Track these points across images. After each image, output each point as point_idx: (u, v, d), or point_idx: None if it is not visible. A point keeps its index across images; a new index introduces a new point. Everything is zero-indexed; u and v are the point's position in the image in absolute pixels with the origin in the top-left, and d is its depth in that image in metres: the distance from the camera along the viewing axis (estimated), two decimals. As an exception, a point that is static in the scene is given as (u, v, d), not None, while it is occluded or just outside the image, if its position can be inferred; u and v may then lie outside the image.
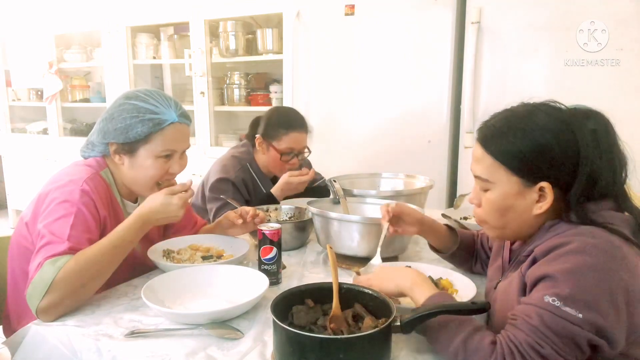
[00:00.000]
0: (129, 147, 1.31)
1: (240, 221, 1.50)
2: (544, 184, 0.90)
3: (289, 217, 1.81)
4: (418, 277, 1.01)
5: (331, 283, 0.98)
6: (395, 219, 1.30)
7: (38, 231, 1.17)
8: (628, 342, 0.82)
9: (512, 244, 1.07)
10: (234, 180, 1.98)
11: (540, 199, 0.92)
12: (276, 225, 1.29)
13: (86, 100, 4.22)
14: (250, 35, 3.44)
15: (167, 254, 1.43)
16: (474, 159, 1.00)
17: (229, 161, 2.06)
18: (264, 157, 2.06)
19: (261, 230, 1.27)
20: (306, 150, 2.09)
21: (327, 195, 1.79)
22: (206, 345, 0.97)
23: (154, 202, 1.25)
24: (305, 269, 1.44)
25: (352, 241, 1.43)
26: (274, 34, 3.22)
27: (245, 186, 2.03)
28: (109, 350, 0.97)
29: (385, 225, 1.29)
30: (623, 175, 0.93)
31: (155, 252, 1.40)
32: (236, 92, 3.53)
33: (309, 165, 2.24)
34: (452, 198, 2.67)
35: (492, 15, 2.40)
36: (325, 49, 2.83)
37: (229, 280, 1.22)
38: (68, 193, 1.21)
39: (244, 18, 3.37)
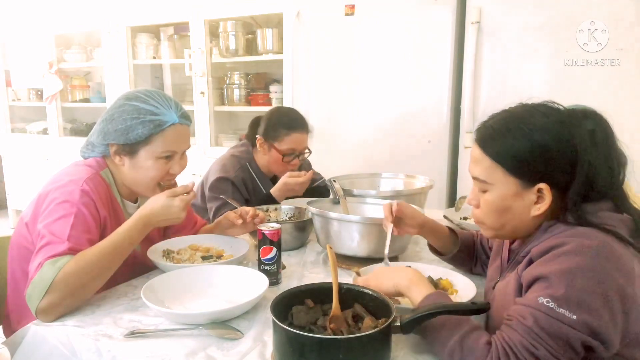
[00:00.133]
0: (130, 149, 1.31)
1: (240, 221, 1.50)
2: (542, 185, 0.90)
3: (289, 217, 1.82)
4: (415, 277, 1.01)
5: (331, 283, 0.98)
6: (397, 219, 1.30)
7: (38, 231, 1.17)
8: (623, 343, 0.81)
9: (511, 243, 1.07)
10: (234, 179, 1.98)
11: (538, 201, 0.92)
12: (276, 225, 1.29)
13: (86, 100, 4.22)
14: (250, 35, 3.44)
15: (167, 254, 1.43)
16: (472, 160, 0.99)
17: (228, 161, 2.06)
18: (264, 157, 2.06)
19: (261, 230, 1.27)
20: (307, 150, 2.09)
21: (327, 195, 1.80)
22: (206, 346, 0.97)
23: (155, 204, 1.25)
24: (305, 269, 1.44)
25: (352, 241, 1.43)
26: (274, 34, 3.22)
27: (245, 186, 2.03)
28: (108, 350, 0.97)
29: (390, 226, 1.28)
30: (622, 175, 0.92)
31: (155, 252, 1.40)
32: (236, 92, 3.53)
33: (308, 166, 2.24)
34: (452, 198, 2.68)
35: (492, 15, 2.40)
36: (325, 49, 2.83)
37: (229, 280, 1.22)
38: (68, 193, 1.21)
39: (244, 18, 3.37)
